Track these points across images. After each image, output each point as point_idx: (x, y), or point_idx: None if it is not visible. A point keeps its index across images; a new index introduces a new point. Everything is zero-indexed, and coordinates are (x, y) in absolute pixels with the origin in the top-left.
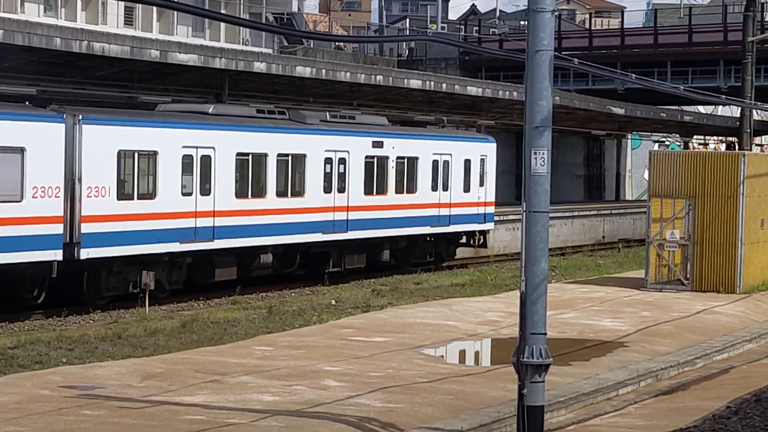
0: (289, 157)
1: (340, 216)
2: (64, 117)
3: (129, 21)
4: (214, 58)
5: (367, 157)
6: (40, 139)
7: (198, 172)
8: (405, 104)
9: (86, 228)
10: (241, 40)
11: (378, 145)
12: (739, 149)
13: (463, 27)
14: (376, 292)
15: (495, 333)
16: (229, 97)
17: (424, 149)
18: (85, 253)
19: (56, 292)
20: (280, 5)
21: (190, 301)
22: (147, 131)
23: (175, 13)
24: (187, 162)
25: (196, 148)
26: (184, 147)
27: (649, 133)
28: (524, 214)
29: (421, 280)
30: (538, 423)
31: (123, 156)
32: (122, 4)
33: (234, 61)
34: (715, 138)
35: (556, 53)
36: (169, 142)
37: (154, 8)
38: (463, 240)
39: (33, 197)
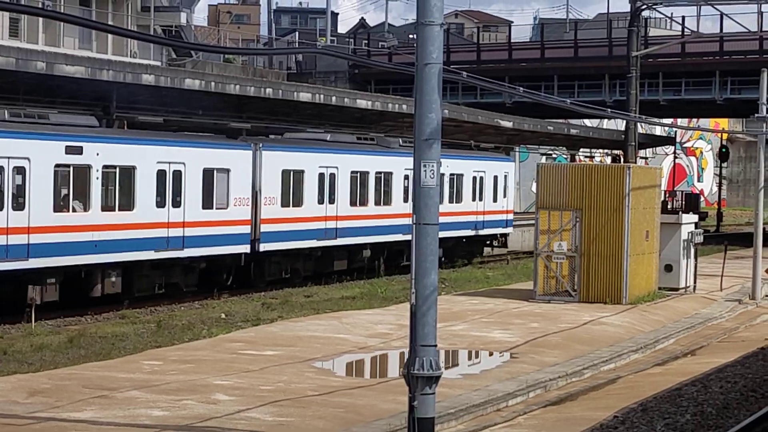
0: (382, 174)
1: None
2: (251, 145)
3: (14, 32)
4: (102, 70)
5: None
6: (238, 162)
7: (327, 185)
8: (295, 117)
9: (264, 228)
10: (129, 53)
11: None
12: (624, 162)
13: (352, 40)
14: (266, 305)
15: (386, 345)
16: (117, 110)
17: (467, 167)
18: (263, 247)
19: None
20: (168, 18)
21: (77, 315)
22: (298, 155)
23: (62, 24)
24: (321, 177)
25: (326, 167)
26: (320, 167)
27: (537, 146)
28: (413, 226)
29: (311, 293)
30: None
31: (285, 174)
32: (6, 15)
33: (122, 73)
34: (601, 151)
35: (445, 66)
36: (311, 163)
37: (40, 20)
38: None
39: (234, 205)
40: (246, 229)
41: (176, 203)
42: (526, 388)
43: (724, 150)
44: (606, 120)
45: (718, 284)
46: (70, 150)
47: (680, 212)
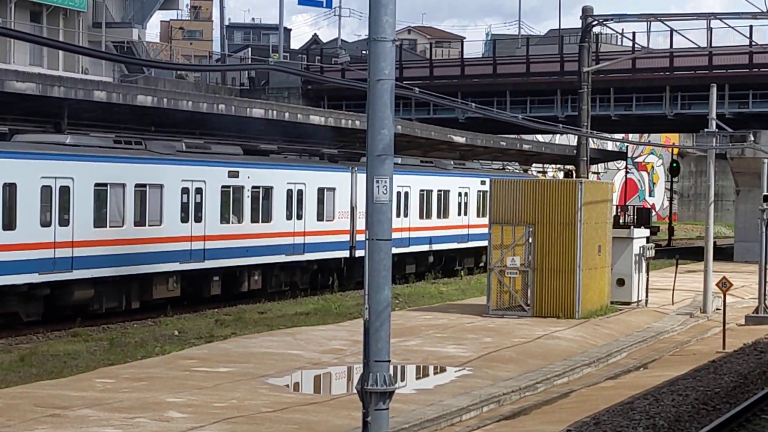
0: (441, 192)
1: (464, 231)
2: (349, 168)
3: None
4: (53, 86)
5: (477, 191)
6: (341, 182)
7: (403, 201)
8: (248, 133)
9: (358, 237)
10: (81, 69)
11: (483, 183)
12: (576, 177)
13: (305, 56)
14: (219, 322)
15: (339, 361)
16: (68, 126)
17: (473, 184)
18: (358, 253)
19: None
20: (120, 34)
21: (28, 333)
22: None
23: (12, 41)
24: (398, 195)
25: (402, 186)
26: (397, 186)
27: (490, 162)
28: (367, 242)
29: (265, 309)
30: None
31: None
32: None
33: (73, 89)
34: (554, 166)
35: (398, 82)
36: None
37: None
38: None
39: (339, 218)
40: (346, 237)
41: (300, 216)
42: (480, 403)
43: (674, 165)
44: (558, 135)
45: (670, 298)
46: (231, 174)
47: (632, 227)
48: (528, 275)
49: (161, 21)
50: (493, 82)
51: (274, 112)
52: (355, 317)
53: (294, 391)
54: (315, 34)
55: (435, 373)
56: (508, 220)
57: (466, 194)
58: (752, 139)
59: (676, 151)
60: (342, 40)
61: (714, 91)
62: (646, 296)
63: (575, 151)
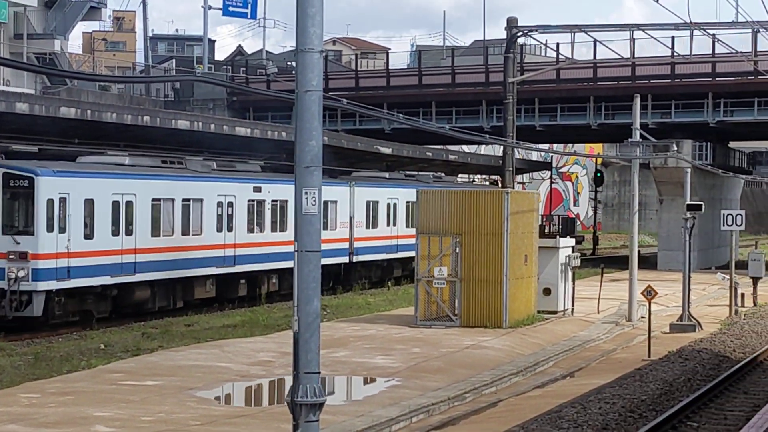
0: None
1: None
2: (348, 183)
3: None
4: None
5: (406, 202)
6: (341, 195)
7: (392, 212)
8: (173, 145)
9: (356, 245)
10: (2, 81)
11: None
12: (502, 187)
13: (230, 67)
14: (146, 335)
15: (268, 373)
16: None
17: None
18: (355, 258)
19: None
20: (42, 45)
21: None
22: (375, 189)
23: None
24: (388, 206)
25: (391, 199)
26: (387, 198)
27: (416, 172)
28: (296, 253)
29: (192, 322)
30: None
31: (369, 203)
32: None
33: None
34: (480, 176)
35: (324, 93)
36: (382, 195)
37: None
38: None
39: (340, 227)
40: (346, 245)
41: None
42: (409, 413)
43: (599, 174)
44: (483, 146)
45: (596, 307)
46: (255, 189)
47: (558, 236)
48: (455, 285)
49: (83, 32)
50: (419, 92)
51: (200, 123)
52: (283, 329)
53: (223, 403)
54: (240, 45)
55: (364, 384)
56: (435, 231)
57: (395, 205)
58: (675, 148)
59: (599, 161)
60: (267, 52)
61: (638, 101)
62: (572, 305)
63: (501, 162)
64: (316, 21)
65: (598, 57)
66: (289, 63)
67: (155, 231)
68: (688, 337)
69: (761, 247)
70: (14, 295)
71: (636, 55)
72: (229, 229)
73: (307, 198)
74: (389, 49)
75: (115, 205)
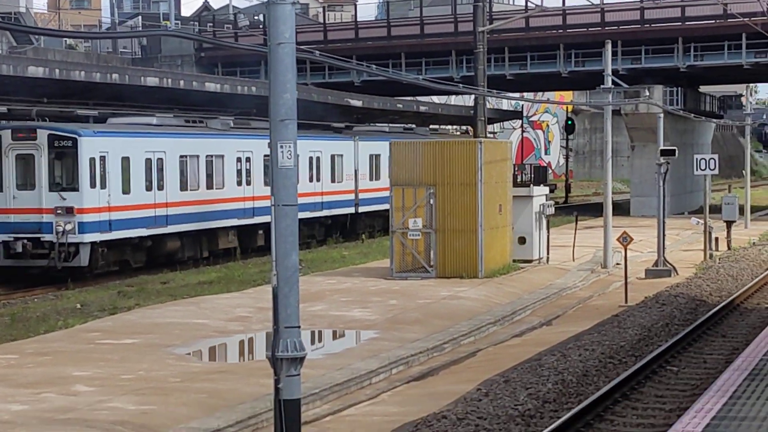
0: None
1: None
2: (352, 137)
3: None
4: None
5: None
6: (346, 149)
7: None
8: (143, 102)
9: (360, 196)
10: None
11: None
12: (474, 137)
13: (197, 23)
14: (122, 293)
15: (246, 329)
16: None
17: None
18: (360, 209)
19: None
20: (7, 4)
21: None
22: (377, 143)
23: None
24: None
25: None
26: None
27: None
28: (273, 208)
29: (167, 279)
30: (295, 416)
31: (372, 157)
32: None
33: None
34: (451, 126)
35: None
36: (383, 149)
37: None
38: None
39: (346, 180)
40: (352, 196)
41: (318, 179)
42: (389, 365)
43: (570, 122)
44: (453, 97)
45: (571, 255)
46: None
47: (531, 185)
48: (430, 236)
49: None
50: (388, 44)
51: (169, 80)
52: (259, 284)
53: (201, 360)
54: (206, 0)
55: (342, 337)
56: (409, 182)
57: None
58: (647, 94)
59: (570, 108)
60: (234, 6)
61: (608, 47)
62: (548, 254)
63: (472, 112)
64: None
65: (567, 4)
66: (256, 17)
67: (183, 186)
68: (664, 283)
69: (734, 190)
70: (62, 246)
71: (605, 1)
72: (248, 183)
73: (282, 151)
74: (356, 1)
75: (148, 162)
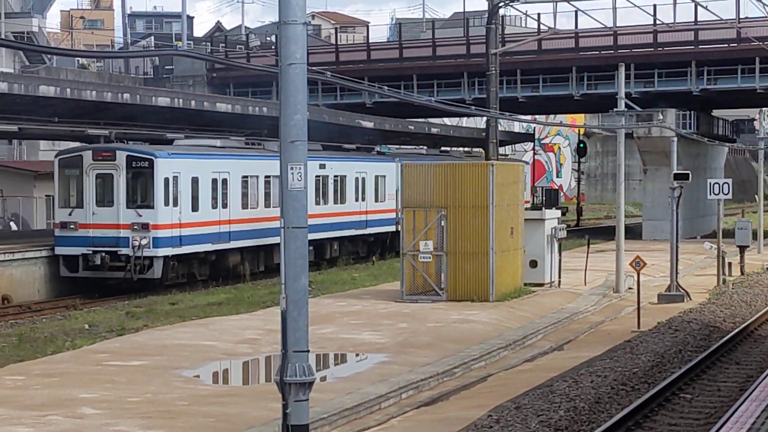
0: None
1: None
2: (395, 159)
3: None
4: None
5: None
6: (389, 170)
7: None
8: (154, 122)
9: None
10: None
11: None
12: (486, 159)
13: (209, 43)
14: (130, 314)
15: (255, 351)
16: None
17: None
18: (398, 228)
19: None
20: (20, 24)
21: None
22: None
23: None
24: None
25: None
26: None
27: (398, 146)
28: (282, 230)
29: (176, 300)
30: None
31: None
32: None
33: None
34: (462, 149)
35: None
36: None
37: None
38: None
39: (388, 199)
40: (393, 215)
41: (363, 198)
42: (399, 390)
43: (581, 145)
44: (465, 119)
45: (582, 278)
46: (320, 166)
47: (543, 208)
48: (441, 259)
49: (61, 11)
50: (400, 66)
51: (180, 100)
52: (269, 306)
53: (210, 382)
54: (218, 21)
55: (352, 361)
56: (420, 204)
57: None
58: (661, 117)
59: (582, 131)
60: (246, 27)
61: (622, 70)
62: (559, 277)
63: (483, 134)
64: None
65: (580, 27)
66: (268, 38)
67: (244, 204)
68: (676, 308)
69: (747, 215)
70: (138, 260)
71: (618, 24)
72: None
73: (293, 173)
74: (369, 22)
75: (214, 182)
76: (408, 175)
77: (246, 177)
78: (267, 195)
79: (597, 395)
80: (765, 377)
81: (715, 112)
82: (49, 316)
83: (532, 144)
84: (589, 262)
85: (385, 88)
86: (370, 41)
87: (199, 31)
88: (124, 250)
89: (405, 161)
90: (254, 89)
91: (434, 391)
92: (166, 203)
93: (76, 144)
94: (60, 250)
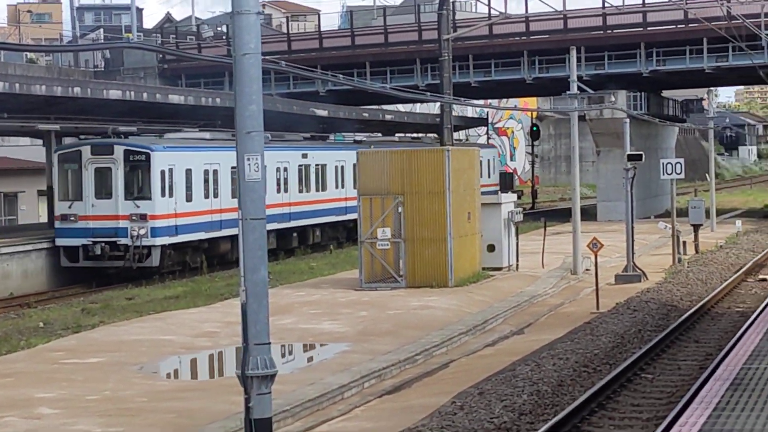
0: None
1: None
2: (370, 147)
3: None
4: None
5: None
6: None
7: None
8: (105, 115)
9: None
10: None
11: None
12: (441, 145)
13: (159, 35)
14: (86, 311)
15: (214, 345)
16: None
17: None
18: None
19: None
20: None
21: None
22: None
23: None
24: None
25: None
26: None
27: (353, 133)
28: (240, 222)
29: (133, 295)
30: None
31: None
32: None
33: None
34: (416, 135)
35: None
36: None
37: None
38: None
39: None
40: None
41: (343, 186)
42: (361, 379)
43: (535, 128)
44: (419, 105)
45: (540, 261)
46: (303, 156)
47: (499, 192)
48: (399, 246)
49: (8, 5)
50: (352, 53)
51: (132, 93)
52: (226, 298)
53: (169, 378)
54: (168, 12)
55: (313, 351)
56: (377, 192)
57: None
58: (613, 99)
59: (535, 114)
60: (196, 18)
61: (574, 53)
62: (517, 261)
63: (437, 120)
64: None
65: (530, 11)
66: (219, 28)
67: (234, 194)
68: (634, 288)
69: (700, 194)
70: (137, 249)
71: (568, 8)
72: (285, 190)
73: (249, 164)
74: (320, 11)
75: (206, 173)
76: (364, 163)
77: (235, 168)
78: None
79: (560, 378)
80: (725, 356)
81: (665, 93)
82: (2, 316)
83: (486, 128)
84: (546, 245)
85: (340, 76)
86: (321, 29)
87: (149, 22)
88: (123, 240)
89: (380, 149)
90: (206, 80)
91: (396, 379)
92: (163, 194)
93: (73, 139)
94: (60, 242)
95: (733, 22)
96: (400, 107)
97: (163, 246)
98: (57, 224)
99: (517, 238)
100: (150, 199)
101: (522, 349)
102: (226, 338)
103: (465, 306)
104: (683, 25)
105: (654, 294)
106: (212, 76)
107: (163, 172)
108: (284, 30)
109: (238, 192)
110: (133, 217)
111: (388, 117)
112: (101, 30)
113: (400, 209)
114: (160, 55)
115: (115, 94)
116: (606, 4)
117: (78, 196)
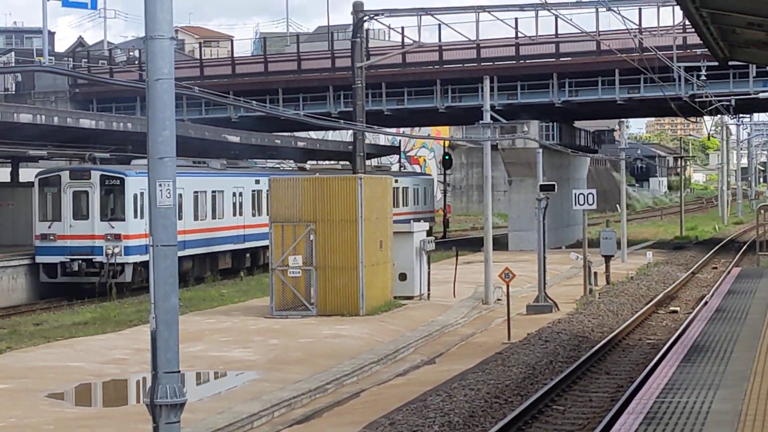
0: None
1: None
2: (315, 174)
3: None
4: None
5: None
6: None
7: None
8: (15, 139)
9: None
10: None
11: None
12: (353, 173)
13: (71, 59)
14: None
15: (123, 372)
16: None
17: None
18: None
19: None
20: None
21: None
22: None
23: None
24: None
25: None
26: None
27: (265, 160)
28: (151, 249)
29: (41, 321)
30: None
31: None
32: None
33: None
34: (329, 162)
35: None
36: None
37: None
38: None
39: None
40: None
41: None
42: (271, 408)
43: (447, 157)
44: (331, 132)
45: (452, 290)
46: (256, 181)
47: (411, 221)
48: (311, 274)
49: None
50: (265, 80)
51: (43, 116)
52: (135, 324)
53: (77, 405)
54: (80, 36)
55: (223, 379)
56: (288, 219)
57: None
58: (526, 129)
59: (447, 143)
60: (109, 42)
61: (487, 83)
62: (429, 290)
63: (350, 147)
64: (166, 6)
65: (444, 40)
66: (132, 53)
67: (195, 216)
68: (545, 318)
69: (611, 224)
70: (111, 266)
71: (481, 38)
72: (240, 213)
73: (161, 190)
74: (233, 37)
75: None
76: (276, 189)
77: (197, 192)
78: (214, 208)
79: (471, 409)
80: (638, 389)
81: (577, 124)
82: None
83: (398, 156)
84: (458, 274)
85: (253, 102)
86: (234, 55)
87: (61, 46)
88: (98, 258)
89: (325, 176)
90: (118, 104)
91: (307, 408)
92: (135, 216)
93: (54, 164)
94: (40, 259)
95: (645, 53)
96: (312, 134)
97: (135, 263)
98: (37, 243)
99: (429, 267)
100: (124, 220)
101: (433, 379)
102: (135, 365)
103: (376, 335)
104: (596, 56)
105: (565, 325)
106: (124, 100)
107: (135, 196)
108: (197, 56)
109: (149, 218)
110: (108, 237)
111: (300, 144)
112: (12, 53)
113: (312, 237)
114: (72, 79)
115: (25, 117)
116: (519, 35)
117: (57, 217)
